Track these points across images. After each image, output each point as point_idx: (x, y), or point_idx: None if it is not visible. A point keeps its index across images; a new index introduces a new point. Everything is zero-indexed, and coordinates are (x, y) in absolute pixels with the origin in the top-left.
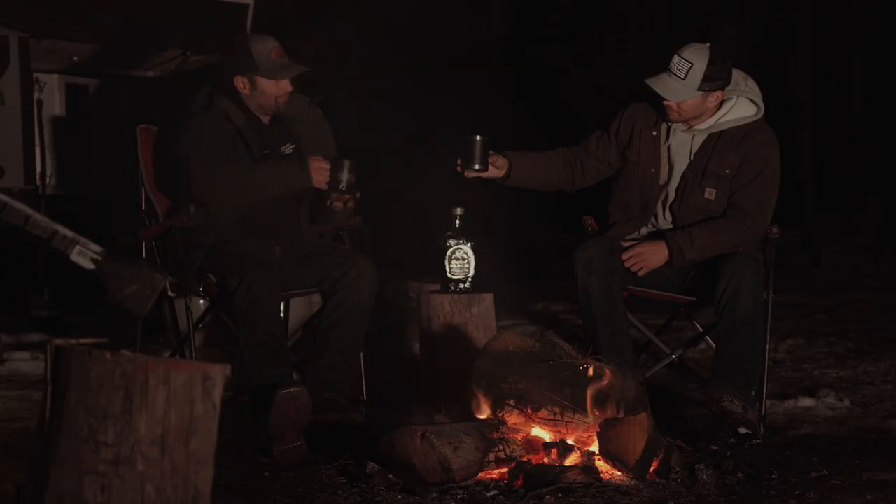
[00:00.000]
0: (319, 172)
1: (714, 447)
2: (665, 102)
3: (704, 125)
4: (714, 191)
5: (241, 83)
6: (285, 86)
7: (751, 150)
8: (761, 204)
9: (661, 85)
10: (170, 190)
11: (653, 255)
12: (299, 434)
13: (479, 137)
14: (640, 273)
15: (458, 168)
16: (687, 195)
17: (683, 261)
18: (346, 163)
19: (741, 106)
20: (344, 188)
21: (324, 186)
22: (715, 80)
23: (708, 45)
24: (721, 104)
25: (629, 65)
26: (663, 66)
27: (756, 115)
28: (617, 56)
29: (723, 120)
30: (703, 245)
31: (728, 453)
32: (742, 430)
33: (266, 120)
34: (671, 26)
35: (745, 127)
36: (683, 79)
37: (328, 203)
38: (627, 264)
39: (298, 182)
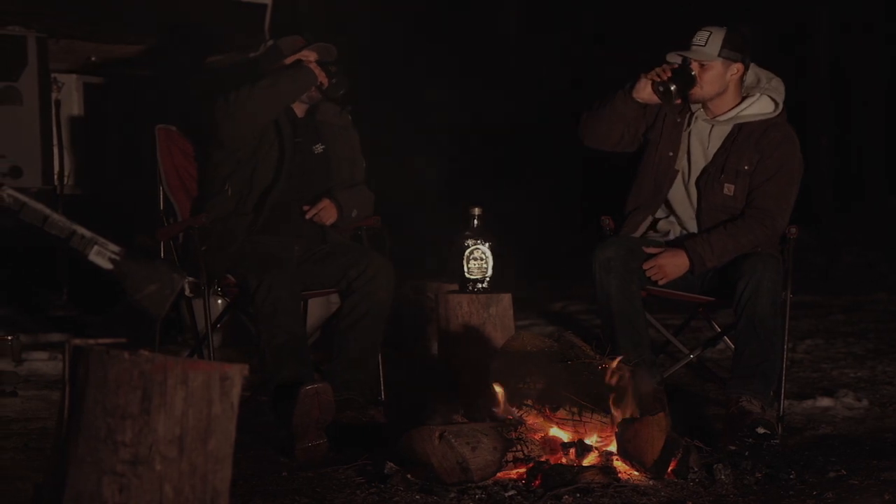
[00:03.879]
0: (317, 69)
1: (733, 447)
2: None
3: (724, 117)
4: (733, 187)
5: None
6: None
7: (768, 147)
8: (780, 202)
9: (684, 52)
10: (190, 191)
11: (674, 267)
12: (321, 432)
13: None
14: (661, 283)
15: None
16: (707, 191)
17: (704, 268)
18: (326, 61)
19: (762, 102)
20: (336, 82)
21: (326, 81)
22: (734, 49)
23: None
24: (743, 99)
25: (645, 64)
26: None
27: (774, 111)
28: (633, 55)
29: (743, 113)
30: (722, 251)
31: (746, 453)
32: (760, 430)
33: (300, 113)
34: (689, 27)
35: (763, 123)
36: (704, 45)
37: None
38: (649, 274)
39: (303, 80)
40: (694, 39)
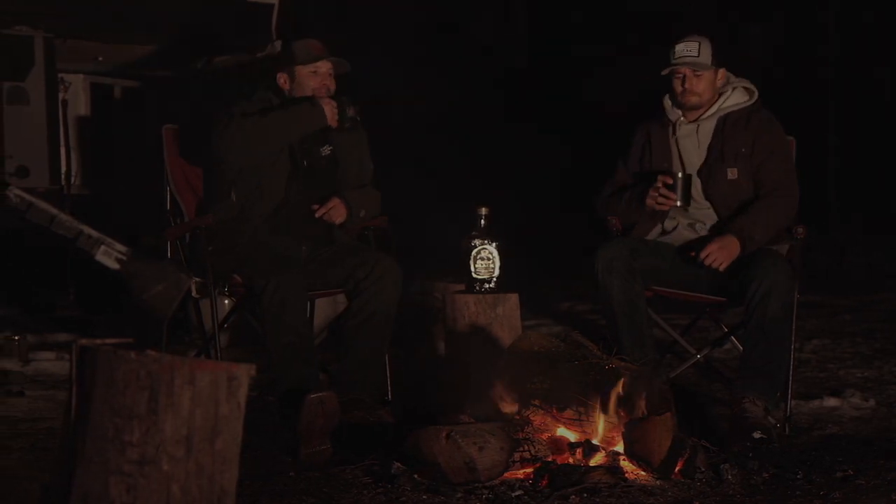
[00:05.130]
0: (331, 110)
1: (737, 448)
2: (686, 86)
3: (707, 114)
4: (735, 170)
5: (282, 79)
6: (322, 79)
7: (758, 130)
8: (787, 174)
9: (682, 63)
10: (197, 191)
11: (730, 247)
12: (326, 438)
13: (680, 174)
14: (722, 268)
15: (655, 199)
16: (711, 180)
17: (753, 244)
18: (345, 98)
19: (737, 94)
20: (350, 127)
21: (335, 124)
22: (719, 56)
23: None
24: (719, 96)
25: (651, 65)
26: (665, 65)
27: (751, 100)
28: (639, 56)
29: (724, 105)
30: (764, 224)
31: (751, 454)
32: (757, 435)
33: None
34: (694, 26)
35: (745, 111)
36: (697, 56)
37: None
38: (707, 262)
39: (311, 120)
40: (685, 50)
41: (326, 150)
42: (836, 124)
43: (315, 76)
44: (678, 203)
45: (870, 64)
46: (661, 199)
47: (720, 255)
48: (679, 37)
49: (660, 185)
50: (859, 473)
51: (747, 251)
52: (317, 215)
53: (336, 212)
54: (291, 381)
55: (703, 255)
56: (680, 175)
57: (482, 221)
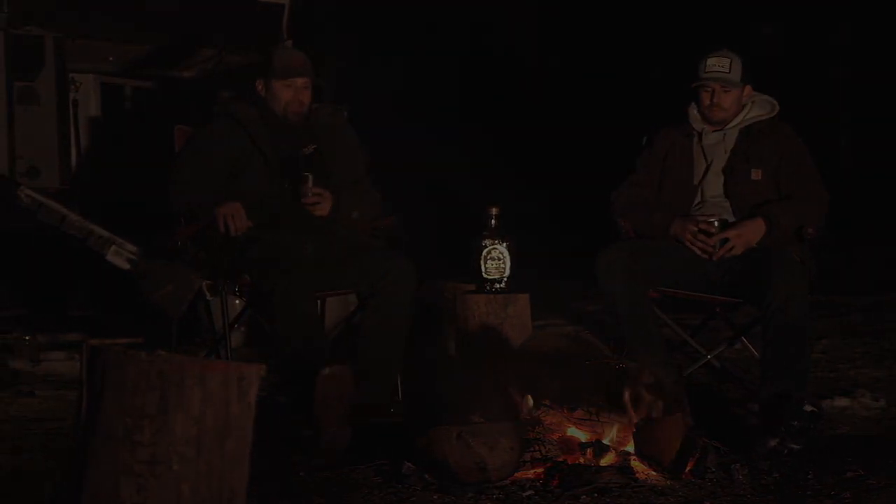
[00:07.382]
0: (220, 217)
1: (773, 442)
2: (714, 101)
3: (731, 124)
4: (759, 171)
5: (259, 85)
6: (296, 93)
7: (783, 141)
8: (816, 180)
9: (713, 77)
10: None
11: (755, 229)
12: (343, 419)
13: (716, 222)
14: (736, 252)
15: (695, 245)
16: (735, 180)
17: (780, 227)
18: (310, 177)
19: (759, 106)
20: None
21: (221, 230)
22: (747, 73)
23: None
24: (742, 107)
25: (661, 67)
26: (693, 79)
27: (772, 112)
28: (649, 59)
29: (747, 116)
30: (792, 212)
31: (788, 439)
32: (808, 409)
33: (292, 119)
34: (706, 26)
35: (767, 123)
36: (728, 72)
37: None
38: (732, 244)
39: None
40: (716, 65)
41: (309, 148)
42: (848, 123)
43: (288, 89)
44: (720, 249)
45: (883, 62)
46: (701, 246)
47: (737, 241)
48: (710, 50)
49: (701, 235)
50: (870, 473)
51: (772, 235)
52: (304, 200)
53: (320, 205)
54: (303, 384)
55: (728, 234)
56: (716, 223)
57: (493, 221)
